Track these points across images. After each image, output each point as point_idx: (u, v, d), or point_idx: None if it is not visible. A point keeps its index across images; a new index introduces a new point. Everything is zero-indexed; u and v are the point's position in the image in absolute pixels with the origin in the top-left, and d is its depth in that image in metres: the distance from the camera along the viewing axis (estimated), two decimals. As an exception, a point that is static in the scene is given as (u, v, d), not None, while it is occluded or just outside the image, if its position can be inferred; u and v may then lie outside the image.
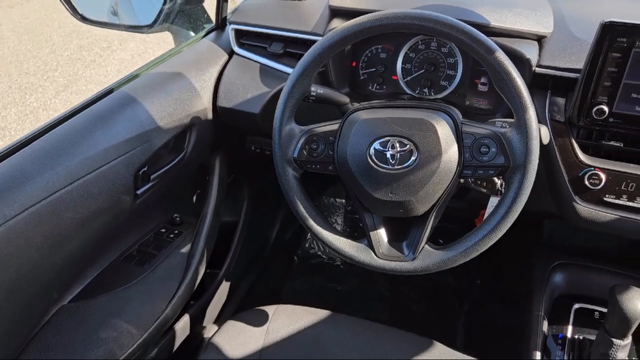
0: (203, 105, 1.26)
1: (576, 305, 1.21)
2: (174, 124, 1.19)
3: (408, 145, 0.90)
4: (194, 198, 1.47)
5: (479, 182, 1.11)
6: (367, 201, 0.96)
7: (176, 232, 1.31)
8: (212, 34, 1.42)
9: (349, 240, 1.00)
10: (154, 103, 1.16)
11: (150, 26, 1.40)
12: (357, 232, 2.16)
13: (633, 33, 0.92)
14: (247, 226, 1.63)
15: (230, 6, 1.42)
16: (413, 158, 0.90)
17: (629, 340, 1.02)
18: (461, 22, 0.87)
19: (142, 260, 1.22)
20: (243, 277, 1.72)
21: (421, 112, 0.93)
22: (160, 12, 1.38)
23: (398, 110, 0.95)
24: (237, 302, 1.66)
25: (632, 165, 1.00)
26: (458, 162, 0.91)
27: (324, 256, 2.09)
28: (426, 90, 1.23)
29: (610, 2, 1.22)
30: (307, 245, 2.12)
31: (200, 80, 1.27)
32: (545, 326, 1.17)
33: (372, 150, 0.92)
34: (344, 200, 2.17)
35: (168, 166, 1.21)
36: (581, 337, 1.14)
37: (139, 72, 1.25)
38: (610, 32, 0.93)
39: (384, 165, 0.91)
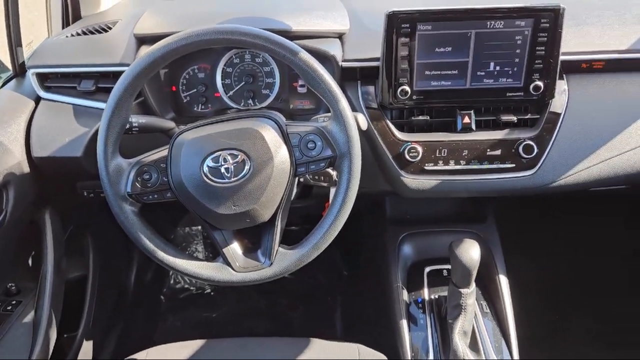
0: (15, 159, 1.15)
1: (427, 269, 1.32)
2: None
3: (240, 156, 0.92)
4: (30, 261, 1.33)
5: (316, 177, 1.16)
6: (213, 219, 0.96)
7: (14, 302, 1.18)
8: (11, 83, 1.31)
9: (205, 262, 0.98)
10: None
11: None
12: (220, 254, 2.14)
13: (413, 18, 1.03)
14: (98, 277, 1.52)
15: (29, 49, 1.31)
16: (247, 167, 0.92)
17: (473, 286, 1.14)
18: (263, 31, 0.90)
19: (-22, 344, 1.08)
20: (108, 332, 1.60)
21: (246, 122, 0.95)
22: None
23: (223, 124, 0.96)
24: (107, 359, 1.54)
25: (440, 133, 1.13)
26: (290, 162, 0.94)
27: (192, 287, 2.03)
28: (250, 101, 1.26)
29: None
30: (172, 281, 2.04)
31: (5, 133, 1.15)
32: (405, 295, 1.27)
33: (205, 168, 0.92)
34: (199, 227, 2.12)
35: (-13, 233, 1.09)
36: (437, 296, 1.26)
37: None
38: (395, 20, 1.03)
39: (220, 180, 0.92)
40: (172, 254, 0.97)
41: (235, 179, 0.92)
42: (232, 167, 0.91)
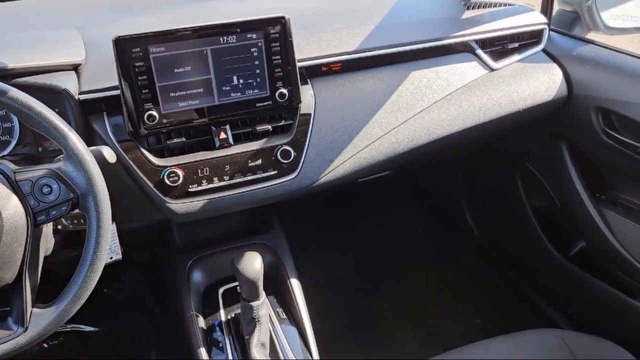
0: None
1: (221, 289, 1.30)
2: None
3: None
4: None
5: (75, 221, 1.07)
6: (-62, 295, 0.82)
7: None
8: None
9: None
10: None
11: None
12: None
13: (142, 42, 1.01)
14: None
15: None
16: None
17: (263, 297, 1.15)
18: None
19: None
20: None
21: None
22: None
23: None
24: None
25: (199, 153, 1.12)
26: (26, 213, 0.85)
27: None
28: (-12, 151, 1.11)
29: (135, 19, 1.31)
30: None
31: None
32: (201, 322, 1.23)
33: None
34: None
35: None
36: (232, 315, 1.24)
37: None
38: (123, 46, 0.99)
39: None
40: None
41: None
42: (-52, 231, 0.79)
